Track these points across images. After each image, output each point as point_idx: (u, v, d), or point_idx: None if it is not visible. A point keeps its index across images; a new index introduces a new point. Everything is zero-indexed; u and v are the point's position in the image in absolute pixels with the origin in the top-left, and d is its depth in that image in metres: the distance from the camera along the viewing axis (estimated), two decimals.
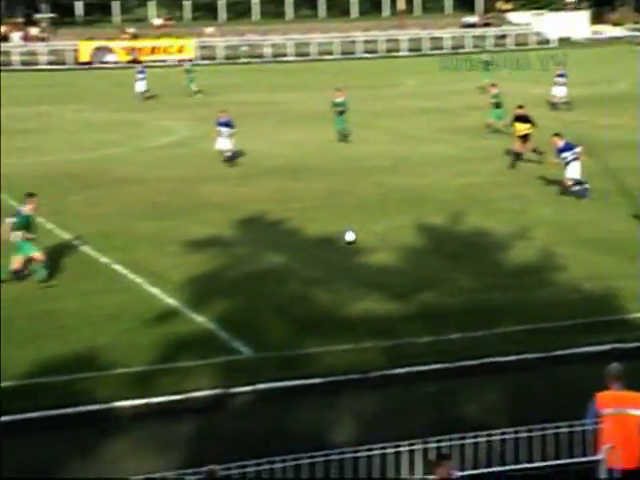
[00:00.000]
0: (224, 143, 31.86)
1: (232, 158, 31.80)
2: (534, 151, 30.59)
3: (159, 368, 15.50)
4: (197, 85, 53.06)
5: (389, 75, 63.47)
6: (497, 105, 36.29)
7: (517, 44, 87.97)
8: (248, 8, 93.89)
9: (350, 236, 22.19)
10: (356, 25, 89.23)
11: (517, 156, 30.79)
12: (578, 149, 26.66)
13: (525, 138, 30.88)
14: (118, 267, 20.84)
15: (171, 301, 18.65)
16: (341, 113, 36.12)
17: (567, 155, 26.45)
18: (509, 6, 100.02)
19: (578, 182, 26.41)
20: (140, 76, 50.73)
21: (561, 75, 45.42)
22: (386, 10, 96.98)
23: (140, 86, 50.44)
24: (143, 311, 18.00)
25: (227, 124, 31.88)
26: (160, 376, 15.20)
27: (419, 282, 19.42)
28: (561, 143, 26.80)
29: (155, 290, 19.29)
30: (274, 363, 15.66)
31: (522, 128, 30.82)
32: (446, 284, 19.42)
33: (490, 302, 18.29)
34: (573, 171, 26.43)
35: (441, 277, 19.78)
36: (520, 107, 31.63)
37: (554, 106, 44.58)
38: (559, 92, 45.19)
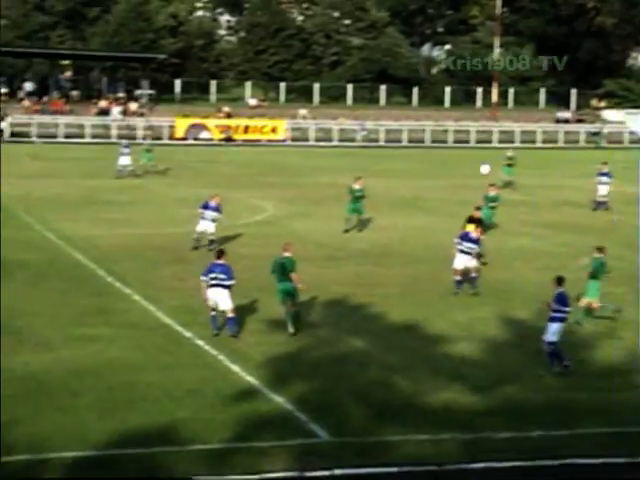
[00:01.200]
0: (207, 226, 31.63)
1: (212, 242, 31.29)
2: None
3: (236, 446, 15.47)
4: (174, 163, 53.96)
5: (479, 165, 63.41)
6: (491, 206, 35.30)
7: (610, 141, 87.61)
8: (342, 92, 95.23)
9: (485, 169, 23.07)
10: (448, 114, 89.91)
11: None
12: None
13: None
14: (200, 342, 20.98)
15: (251, 379, 18.68)
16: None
17: None
18: (603, 103, 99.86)
19: None
20: (125, 151, 51.29)
21: (604, 174, 44.10)
22: (479, 101, 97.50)
23: (123, 160, 50.91)
24: (223, 388, 18.05)
25: (216, 209, 31.57)
26: (236, 455, 15.17)
27: (501, 376, 19.17)
28: None
29: (236, 367, 19.35)
30: (351, 448, 15.53)
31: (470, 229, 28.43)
32: (529, 380, 19.14)
33: (574, 402, 17.95)
34: None
35: (524, 372, 19.50)
36: (477, 208, 30.35)
37: (599, 205, 43.58)
38: (601, 191, 43.92)
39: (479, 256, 27.59)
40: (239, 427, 16.21)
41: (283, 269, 22.26)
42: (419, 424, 16.60)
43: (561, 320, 19.78)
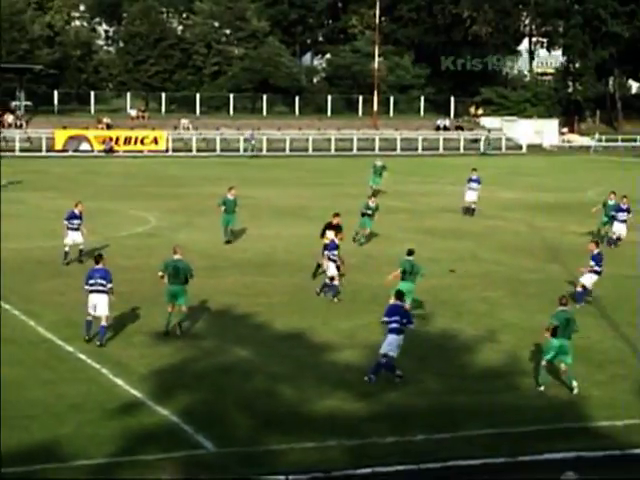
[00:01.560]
0: (76, 236, 30.97)
1: (82, 252, 31.09)
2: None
3: (121, 461, 15.30)
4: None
5: (361, 173, 64.12)
6: (367, 214, 35.45)
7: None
8: (224, 102, 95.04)
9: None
10: (330, 123, 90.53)
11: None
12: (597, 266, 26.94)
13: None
14: (83, 356, 20.68)
15: (135, 392, 18.49)
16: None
17: (593, 264, 26.76)
18: (481, 111, 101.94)
19: (585, 290, 26.72)
20: None
21: (474, 180, 44.56)
22: (360, 109, 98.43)
23: None
24: (106, 402, 17.82)
25: (79, 217, 31.26)
26: (121, 469, 15.00)
27: (385, 381, 19.38)
28: (596, 251, 27.09)
29: (119, 381, 19.13)
30: (237, 459, 15.52)
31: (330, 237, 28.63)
32: (412, 385, 19.40)
33: (456, 405, 18.28)
34: (589, 279, 26.77)
35: (408, 378, 19.74)
36: (336, 215, 30.28)
37: (467, 210, 44.03)
38: (470, 196, 44.24)
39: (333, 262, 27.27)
40: (124, 441, 16.03)
41: (176, 271, 22.41)
42: (305, 432, 16.69)
43: (398, 332, 19.40)
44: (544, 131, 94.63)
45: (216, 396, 18.38)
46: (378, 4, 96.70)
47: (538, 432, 16.97)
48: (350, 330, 23.47)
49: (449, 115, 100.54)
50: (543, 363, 19.44)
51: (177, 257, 22.85)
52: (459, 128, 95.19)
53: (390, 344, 19.37)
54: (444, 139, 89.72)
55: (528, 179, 63.72)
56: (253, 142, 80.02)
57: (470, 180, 44.54)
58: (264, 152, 79.99)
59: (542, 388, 19.29)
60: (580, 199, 50.81)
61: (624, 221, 36.04)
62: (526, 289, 28.55)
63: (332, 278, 26.70)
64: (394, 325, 19.43)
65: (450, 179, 61.58)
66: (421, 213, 45.15)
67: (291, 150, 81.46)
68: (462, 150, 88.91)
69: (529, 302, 26.84)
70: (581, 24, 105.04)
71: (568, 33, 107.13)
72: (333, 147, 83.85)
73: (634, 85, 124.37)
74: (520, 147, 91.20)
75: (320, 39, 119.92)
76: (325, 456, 15.78)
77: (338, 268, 27.00)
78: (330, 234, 28.67)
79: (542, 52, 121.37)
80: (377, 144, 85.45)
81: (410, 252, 24.58)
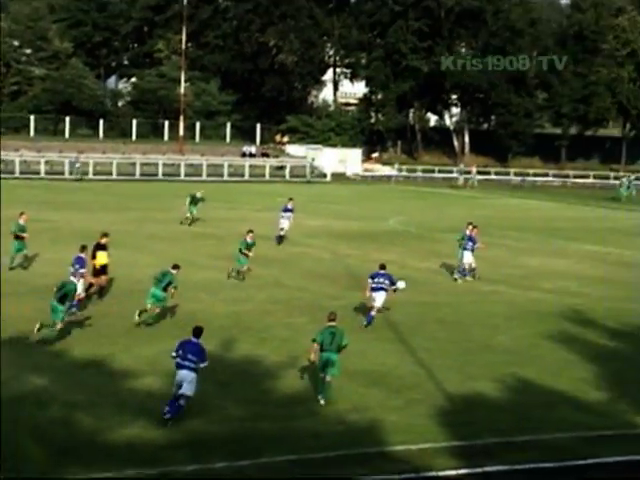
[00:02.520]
0: None
1: None
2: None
3: None
4: None
5: (166, 198, 63.65)
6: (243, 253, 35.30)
7: (293, 176, 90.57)
8: (24, 124, 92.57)
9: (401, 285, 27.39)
10: (135, 147, 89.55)
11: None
12: (396, 284, 28.01)
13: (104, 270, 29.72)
14: None
15: None
16: None
17: (377, 281, 27.73)
18: (287, 139, 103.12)
19: (379, 310, 27.64)
20: None
21: (287, 209, 44.65)
22: (166, 134, 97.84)
23: None
24: None
25: None
26: None
27: (186, 409, 19.11)
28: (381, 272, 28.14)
29: None
30: None
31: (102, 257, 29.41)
32: (214, 411, 19.24)
33: (257, 431, 18.22)
34: (380, 299, 27.56)
35: (210, 404, 19.56)
36: (104, 235, 30.11)
37: (281, 239, 44.13)
38: (283, 224, 44.26)
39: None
40: None
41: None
42: (103, 461, 16.25)
43: (192, 370, 18.87)
44: (348, 160, 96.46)
45: (9, 427, 17.65)
46: (184, 29, 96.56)
47: (337, 457, 17.10)
48: (152, 356, 23.08)
49: (255, 142, 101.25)
50: (320, 375, 20.37)
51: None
52: (265, 155, 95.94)
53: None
54: (250, 166, 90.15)
55: (332, 207, 64.72)
56: (78, 165, 78.48)
57: (284, 209, 44.69)
58: (68, 176, 78.21)
59: (322, 402, 20.03)
60: (382, 227, 51.92)
61: (472, 250, 36.14)
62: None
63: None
64: (186, 363, 18.82)
65: (256, 206, 61.88)
66: (227, 239, 45.00)
67: (95, 174, 79.96)
68: (268, 177, 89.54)
69: None
70: (383, 57, 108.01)
71: (370, 65, 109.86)
72: (138, 172, 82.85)
73: (432, 118, 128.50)
74: (325, 175, 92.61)
75: (126, 62, 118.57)
76: None
77: (90, 285, 27.03)
78: (101, 255, 29.10)
79: (346, 82, 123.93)
80: (183, 169, 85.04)
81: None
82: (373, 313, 27.60)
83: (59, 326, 24.14)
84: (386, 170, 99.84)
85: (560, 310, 30.31)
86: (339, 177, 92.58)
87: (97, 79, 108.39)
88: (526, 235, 49.68)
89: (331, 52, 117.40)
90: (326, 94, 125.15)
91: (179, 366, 18.91)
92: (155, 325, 26.38)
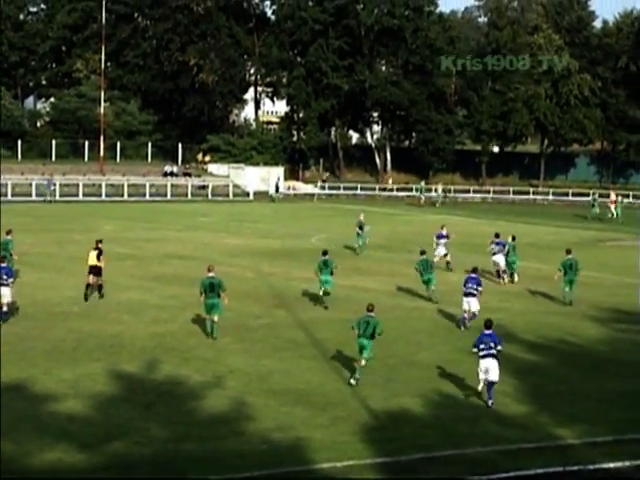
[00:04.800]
0: None
1: None
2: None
3: None
4: None
5: (87, 219, 63.06)
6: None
7: (216, 195, 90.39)
8: None
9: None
10: (55, 168, 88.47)
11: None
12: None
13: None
14: None
15: None
16: None
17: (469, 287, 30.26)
18: (208, 158, 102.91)
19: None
20: None
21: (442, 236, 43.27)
22: (86, 155, 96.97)
23: None
24: None
25: None
26: None
27: (109, 432, 18.93)
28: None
29: None
30: None
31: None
32: (137, 434, 19.05)
33: (181, 452, 18.09)
34: (474, 305, 30.06)
35: (133, 426, 19.38)
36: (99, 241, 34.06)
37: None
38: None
39: None
40: None
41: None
42: None
43: None
44: (270, 178, 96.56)
45: None
46: (103, 49, 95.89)
47: (262, 477, 17.04)
48: (73, 379, 22.80)
49: (177, 161, 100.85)
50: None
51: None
52: (187, 175, 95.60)
53: None
54: (172, 185, 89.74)
55: (255, 226, 64.67)
56: (53, 188, 77.90)
57: (440, 236, 43.23)
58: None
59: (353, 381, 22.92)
60: (304, 245, 52.03)
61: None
62: (253, 335, 28.82)
63: None
64: None
65: (177, 225, 61.61)
66: (148, 259, 44.72)
67: (13, 195, 78.79)
68: (190, 196, 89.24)
69: (255, 347, 27.09)
70: (304, 75, 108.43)
71: (292, 84, 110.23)
72: (58, 192, 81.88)
73: (354, 135, 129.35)
74: (247, 194, 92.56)
75: (44, 82, 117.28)
76: None
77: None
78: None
79: (268, 101, 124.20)
80: (104, 190, 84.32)
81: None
82: (467, 317, 30.19)
83: None
84: (309, 188, 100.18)
85: (481, 325, 30.55)
86: (261, 196, 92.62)
87: (14, 99, 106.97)
88: (359, 251, 49.27)
89: (252, 71, 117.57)
90: (248, 113, 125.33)
91: None
92: (77, 347, 26.06)
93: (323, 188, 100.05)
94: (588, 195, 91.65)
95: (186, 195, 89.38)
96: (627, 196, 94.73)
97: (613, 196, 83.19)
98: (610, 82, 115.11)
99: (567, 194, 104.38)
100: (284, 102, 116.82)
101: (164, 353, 25.83)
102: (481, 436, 19.70)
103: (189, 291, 35.12)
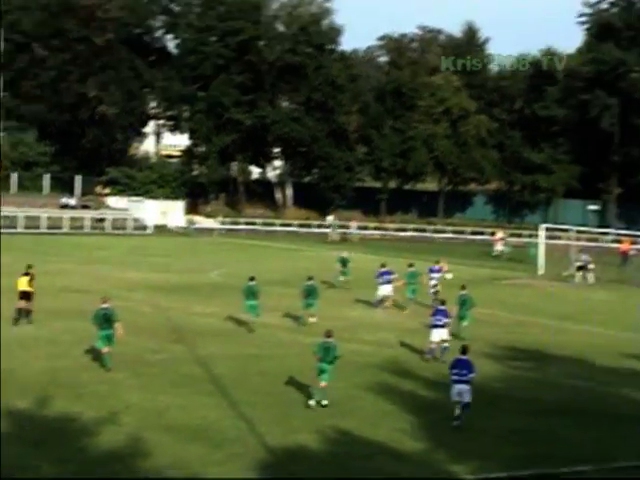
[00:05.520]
0: None
1: None
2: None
3: None
4: None
5: None
6: None
7: (114, 228, 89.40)
8: None
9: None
10: None
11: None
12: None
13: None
14: None
15: None
16: None
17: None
18: (108, 190, 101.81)
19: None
20: None
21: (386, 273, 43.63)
22: None
23: None
24: None
25: None
26: None
27: None
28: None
29: None
30: None
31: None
32: (28, 472, 18.54)
33: None
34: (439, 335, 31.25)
35: (23, 465, 18.86)
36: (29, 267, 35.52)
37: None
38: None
39: None
40: None
41: None
42: None
43: None
44: (169, 212, 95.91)
45: None
46: (1, 78, 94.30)
47: None
48: None
49: (75, 193, 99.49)
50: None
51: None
52: (85, 207, 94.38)
53: None
54: (70, 218, 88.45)
55: (153, 259, 64.06)
56: None
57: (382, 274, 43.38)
58: None
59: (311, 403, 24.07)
60: (203, 280, 51.71)
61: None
62: (150, 369, 28.42)
63: None
64: None
65: (74, 258, 60.68)
66: (44, 293, 43.75)
67: None
68: (88, 229, 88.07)
69: (153, 382, 26.71)
70: (205, 110, 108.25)
71: (193, 118, 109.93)
72: None
73: (255, 170, 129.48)
74: (146, 227, 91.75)
75: None
76: None
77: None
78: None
79: (168, 134, 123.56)
80: None
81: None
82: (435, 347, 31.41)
83: None
84: (209, 223, 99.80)
85: (379, 361, 30.79)
86: (161, 229, 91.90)
87: None
88: (348, 286, 50.37)
89: (153, 104, 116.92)
90: (148, 146, 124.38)
91: None
92: None
93: (223, 223, 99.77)
94: (483, 234, 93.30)
95: (83, 228, 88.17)
96: (519, 235, 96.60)
97: (500, 234, 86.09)
98: (506, 124, 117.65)
99: (464, 232, 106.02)
100: (185, 135, 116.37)
101: (56, 388, 25.27)
102: (377, 472, 19.69)
103: (84, 325, 34.52)
